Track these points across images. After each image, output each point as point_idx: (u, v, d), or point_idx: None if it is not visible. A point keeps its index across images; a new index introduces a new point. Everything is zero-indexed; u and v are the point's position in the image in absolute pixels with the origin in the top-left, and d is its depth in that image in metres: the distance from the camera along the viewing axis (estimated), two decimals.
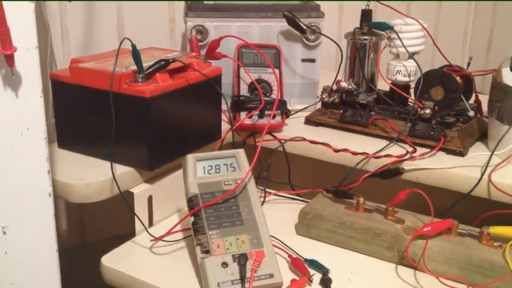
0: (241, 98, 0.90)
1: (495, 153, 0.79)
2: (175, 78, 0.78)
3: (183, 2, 1.08)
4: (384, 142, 0.86)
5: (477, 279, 0.66)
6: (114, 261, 0.70)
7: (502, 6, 1.26)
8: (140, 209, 0.77)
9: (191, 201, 0.68)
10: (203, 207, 0.67)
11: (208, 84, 0.81)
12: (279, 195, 0.87)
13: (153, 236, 0.73)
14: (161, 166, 0.78)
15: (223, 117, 0.90)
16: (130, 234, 0.76)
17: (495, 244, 0.68)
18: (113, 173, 0.72)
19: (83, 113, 0.78)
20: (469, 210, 0.77)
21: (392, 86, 0.91)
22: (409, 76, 0.89)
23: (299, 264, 0.68)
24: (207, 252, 0.64)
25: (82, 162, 0.78)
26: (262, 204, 0.78)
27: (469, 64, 0.93)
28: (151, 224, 0.78)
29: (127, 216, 0.80)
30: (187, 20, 0.97)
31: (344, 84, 0.93)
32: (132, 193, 0.76)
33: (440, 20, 1.30)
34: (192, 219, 0.67)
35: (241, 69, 0.91)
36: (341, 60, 0.99)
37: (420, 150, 0.83)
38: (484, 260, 0.66)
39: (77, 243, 1.11)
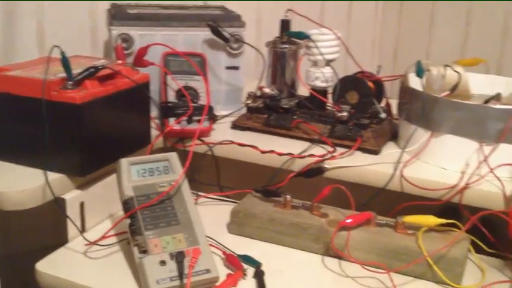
0: (169, 104, 0.93)
1: (405, 150, 0.87)
2: (105, 85, 0.79)
3: (105, 11, 1.09)
4: (307, 144, 0.92)
5: (395, 264, 0.72)
6: (50, 267, 0.70)
7: (406, 19, 1.37)
8: (72, 215, 0.77)
9: (127, 204, 0.70)
10: (139, 209, 0.69)
11: (137, 91, 0.83)
12: (210, 197, 0.90)
13: (88, 241, 0.74)
14: (93, 172, 0.79)
15: (153, 123, 0.92)
16: (59, 244, 0.76)
17: (409, 232, 0.75)
18: (46, 179, 0.72)
19: (11, 121, 0.78)
20: (385, 203, 0.84)
21: (311, 91, 0.97)
22: (327, 82, 0.96)
23: (233, 260, 0.72)
24: (145, 252, 0.66)
25: (11, 171, 0.77)
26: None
27: (378, 72, 1.01)
28: (83, 230, 0.79)
29: (54, 226, 0.79)
30: (111, 29, 0.99)
31: (267, 90, 0.98)
32: (64, 199, 0.76)
33: (351, 29, 1.39)
34: (129, 221, 0.69)
35: (168, 77, 0.94)
36: (264, 68, 1.04)
37: (339, 150, 0.90)
38: (399, 246, 0.73)
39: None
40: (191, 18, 1.02)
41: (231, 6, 1.11)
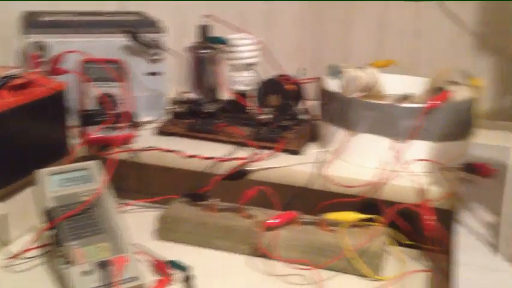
0: (88, 112, 0.91)
1: (326, 150, 0.91)
2: (18, 94, 0.77)
3: (16, 19, 1.05)
4: (232, 147, 0.93)
5: (319, 260, 0.75)
6: None
7: (327, 22, 1.41)
8: None
9: (48, 215, 0.68)
10: (61, 220, 0.68)
11: (52, 100, 0.81)
12: (138, 205, 0.89)
13: (11, 254, 0.71)
14: (7, 186, 0.76)
15: (75, 132, 0.90)
16: None
17: (332, 228, 0.78)
18: None
19: None
20: (309, 201, 0.86)
21: (234, 95, 0.98)
22: (248, 85, 0.97)
23: (161, 266, 0.71)
24: (69, 263, 0.65)
25: None
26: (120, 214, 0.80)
27: (301, 74, 1.04)
28: (6, 243, 0.76)
29: None
30: (25, 37, 0.95)
31: (190, 95, 0.98)
32: None
33: (276, 34, 1.42)
34: (51, 232, 0.67)
35: (87, 84, 0.92)
36: (186, 73, 1.04)
37: (263, 152, 0.91)
38: (322, 242, 0.75)
39: None
40: (109, 24, 1.01)
41: (152, 11, 1.10)
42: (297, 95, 1.01)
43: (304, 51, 1.44)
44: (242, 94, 0.99)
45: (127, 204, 0.88)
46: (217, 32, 1.03)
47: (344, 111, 0.88)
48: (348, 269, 0.74)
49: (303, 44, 1.45)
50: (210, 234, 0.79)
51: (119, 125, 0.88)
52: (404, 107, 0.86)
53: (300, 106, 1.01)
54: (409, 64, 1.31)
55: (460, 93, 0.89)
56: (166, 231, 0.80)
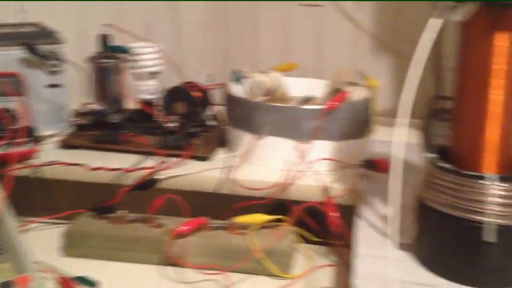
0: None
1: (234, 155, 0.92)
2: None
3: None
4: (140, 157, 0.92)
5: (230, 263, 0.76)
6: None
7: (232, 27, 1.43)
8: None
9: None
10: None
11: None
12: (42, 222, 0.86)
13: None
14: None
15: None
16: None
17: (241, 232, 0.79)
18: None
19: None
20: (220, 206, 0.87)
21: (139, 104, 0.98)
22: (153, 94, 0.97)
23: (68, 283, 0.70)
24: None
25: None
26: (23, 233, 0.77)
27: (209, 80, 1.05)
28: None
29: None
30: None
31: (94, 106, 0.96)
32: None
33: (181, 41, 1.42)
34: None
35: None
36: (88, 84, 1.02)
37: (172, 160, 0.91)
38: (232, 246, 0.77)
39: None
40: (4, 37, 0.97)
41: (52, 22, 1.07)
42: (204, 101, 1.02)
43: (212, 57, 1.46)
44: (148, 103, 0.98)
45: (31, 222, 0.85)
46: (120, 41, 1.02)
47: (248, 115, 0.90)
48: (258, 269, 0.76)
49: (210, 50, 1.46)
50: (118, 247, 0.78)
51: (18, 140, 0.85)
52: (305, 109, 0.89)
53: (208, 112, 1.01)
54: (312, 66, 1.36)
55: (357, 94, 0.93)
56: (73, 247, 0.78)
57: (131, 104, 1.02)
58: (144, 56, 0.95)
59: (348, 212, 0.80)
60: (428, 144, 0.99)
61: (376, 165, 0.87)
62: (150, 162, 0.91)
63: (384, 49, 1.29)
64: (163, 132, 0.93)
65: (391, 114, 1.26)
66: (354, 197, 0.83)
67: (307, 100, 0.98)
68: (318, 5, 1.32)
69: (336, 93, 0.92)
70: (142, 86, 0.96)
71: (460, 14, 0.56)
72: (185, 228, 0.77)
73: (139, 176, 0.87)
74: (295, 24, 1.36)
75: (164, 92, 0.96)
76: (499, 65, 0.59)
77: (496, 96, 0.60)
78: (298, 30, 1.35)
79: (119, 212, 0.80)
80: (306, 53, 1.35)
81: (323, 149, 0.89)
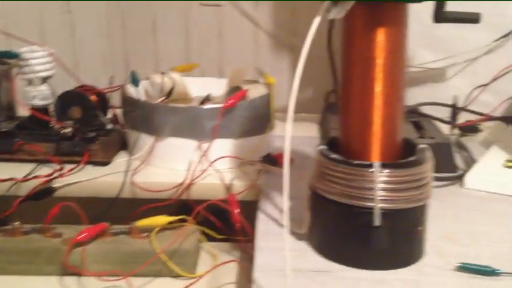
0: None
1: (134, 157, 0.91)
2: None
3: None
4: (34, 165, 0.89)
5: (133, 268, 0.74)
6: None
7: (131, 29, 1.40)
8: None
9: None
10: None
11: None
12: None
13: None
14: None
15: None
16: None
17: (143, 235, 0.78)
18: None
19: None
20: (122, 211, 0.86)
21: (31, 110, 0.94)
22: (46, 99, 0.93)
23: None
24: None
25: None
26: None
27: (111, 82, 1.02)
28: None
29: None
30: None
31: None
32: None
33: (79, 44, 1.38)
34: None
35: None
36: None
37: (69, 167, 0.88)
38: (134, 250, 0.75)
39: None
40: None
41: None
42: (103, 104, 1.00)
43: (114, 59, 1.43)
44: (43, 109, 0.94)
45: None
46: (10, 45, 0.98)
47: (147, 117, 0.89)
48: (163, 271, 0.75)
49: (111, 53, 1.43)
50: (12, 260, 0.74)
51: None
52: (204, 109, 0.89)
53: (107, 116, 0.99)
54: (214, 66, 1.37)
55: (255, 91, 0.95)
56: None
57: (24, 111, 0.97)
58: (34, 61, 0.91)
59: (251, 208, 0.82)
60: (325, 138, 1.03)
61: (276, 160, 0.89)
62: (45, 170, 0.87)
63: (282, 47, 1.32)
64: (58, 139, 0.90)
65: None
66: (256, 193, 0.84)
67: (207, 99, 0.99)
68: (218, 5, 1.33)
69: (235, 91, 0.93)
70: (33, 92, 0.92)
71: (339, 12, 0.58)
72: (84, 235, 0.75)
73: (34, 185, 0.84)
74: (196, 24, 1.36)
75: (57, 98, 0.93)
76: (379, 59, 0.62)
77: (378, 88, 0.63)
78: (199, 30, 1.36)
79: (13, 224, 0.77)
80: (207, 53, 1.36)
81: (223, 147, 0.90)
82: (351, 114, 0.65)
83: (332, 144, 0.68)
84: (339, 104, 0.67)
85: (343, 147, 0.67)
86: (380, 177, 0.62)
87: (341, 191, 0.63)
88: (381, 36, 0.62)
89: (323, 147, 0.67)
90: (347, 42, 0.64)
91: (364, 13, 0.61)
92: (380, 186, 0.62)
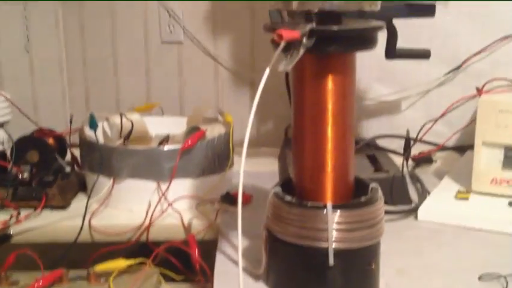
0: None
1: (92, 200, 0.90)
2: None
3: None
4: None
5: None
6: None
7: (91, 70, 1.41)
8: None
9: None
10: None
11: None
12: None
13: None
14: None
15: None
16: None
17: (101, 281, 0.78)
18: None
19: None
20: (83, 254, 0.85)
21: None
22: (2, 144, 0.93)
23: None
24: None
25: None
26: None
27: (71, 121, 1.02)
28: None
29: None
30: None
31: None
32: None
33: (36, 85, 1.37)
34: None
35: None
36: None
37: (25, 212, 0.88)
38: None
39: None
40: None
41: None
42: (61, 147, 0.99)
43: (74, 98, 1.43)
44: (0, 154, 0.94)
45: None
46: None
47: (106, 159, 0.89)
48: None
49: (71, 93, 1.43)
50: None
51: None
52: (163, 150, 0.90)
53: (64, 159, 0.99)
54: (175, 103, 1.38)
55: (214, 130, 0.96)
56: None
57: None
58: None
59: (210, 247, 0.82)
60: (284, 173, 1.04)
61: (234, 199, 0.90)
62: (2, 216, 0.86)
63: (242, 82, 1.34)
64: (15, 184, 0.90)
65: (252, 145, 1.31)
66: (215, 232, 0.85)
67: (166, 140, 0.99)
68: (180, 42, 1.35)
69: (193, 131, 0.94)
70: None
71: (288, 64, 0.60)
72: (41, 283, 0.74)
73: None
74: (156, 61, 1.37)
75: (13, 143, 0.92)
76: (329, 104, 0.65)
77: (329, 132, 0.65)
78: (160, 68, 1.37)
79: None
80: (168, 90, 1.37)
81: (182, 186, 0.90)
82: (304, 157, 0.67)
83: (286, 184, 0.70)
84: (293, 146, 0.69)
85: (297, 187, 0.69)
86: (333, 218, 0.63)
87: (295, 232, 0.64)
88: (330, 83, 0.64)
89: (277, 188, 0.69)
90: (298, 89, 0.66)
91: (313, 62, 0.64)
92: (334, 227, 0.63)
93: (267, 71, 0.59)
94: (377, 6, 0.65)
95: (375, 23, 0.66)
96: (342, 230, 0.63)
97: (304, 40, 0.60)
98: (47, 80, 1.38)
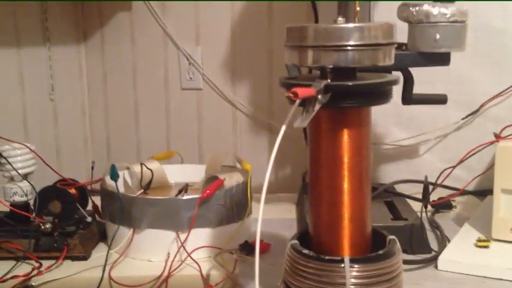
0: None
1: (113, 250, 0.91)
2: None
3: None
4: (13, 263, 0.89)
5: None
6: None
7: (113, 116, 1.44)
8: None
9: None
10: None
11: None
12: None
13: None
14: None
15: None
16: None
17: None
18: None
19: None
20: None
21: (11, 207, 0.95)
22: (26, 196, 0.95)
23: None
24: None
25: None
26: None
27: (92, 168, 1.04)
28: None
29: None
30: None
31: None
32: None
33: (59, 133, 1.41)
34: None
35: None
36: None
37: (47, 263, 0.89)
38: None
39: None
40: None
41: None
42: (83, 197, 1.01)
43: (95, 146, 1.46)
44: (23, 205, 0.96)
45: None
46: None
47: (125, 209, 0.91)
48: None
49: (93, 139, 1.46)
50: None
51: None
52: (181, 200, 0.91)
53: (86, 209, 1.00)
54: (194, 149, 1.40)
55: (232, 179, 0.97)
56: None
57: (3, 207, 0.98)
58: (15, 158, 0.93)
59: None
60: (301, 219, 1.04)
61: (253, 248, 0.90)
62: (24, 268, 0.88)
63: (260, 127, 1.36)
64: (37, 235, 0.91)
65: (269, 191, 1.32)
66: (233, 283, 0.85)
67: (186, 188, 1.00)
68: (199, 89, 1.38)
69: (212, 180, 0.95)
70: (14, 188, 0.94)
71: (304, 120, 0.61)
72: None
73: (10, 285, 0.83)
74: (176, 108, 1.40)
75: (36, 193, 0.94)
76: (345, 158, 0.65)
77: (345, 185, 0.66)
78: (179, 115, 1.40)
79: None
80: (188, 136, 1.40)
81: (201, 236, 0.91)
82: (320, 210, 0.68)
83: (303, 236, 0.70)
84: (309, 199, 0.70)
85: (314, 240, 0.69)
86: (351, 272, 0.63)
87: (313, 286, 0.64)
88: (346, 137, 0.65)
89: (294, 241, 0.69)
90: (314, 143, 0.67)
91: (328, 116, 0.65)
92: (351, 281, 0.63)
93: (283, 128, 0.61)
94: (391, 60, 0.66)
95: (389, 77, 0.67)
96: (360, 284, 0.63)
97: (320, 96, 0.62)
98: (70, 127, 1.42)
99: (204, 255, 0.91)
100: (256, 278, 0.60)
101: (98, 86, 1.44)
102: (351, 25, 0.62)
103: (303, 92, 0.60)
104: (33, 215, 0.94)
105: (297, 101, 0.61)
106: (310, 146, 0.68)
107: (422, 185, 1.06)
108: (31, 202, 0.96)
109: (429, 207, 1.09)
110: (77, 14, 1.41)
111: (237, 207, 0.95)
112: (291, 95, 0.60)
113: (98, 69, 1.43)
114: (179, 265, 0.88)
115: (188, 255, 0.89)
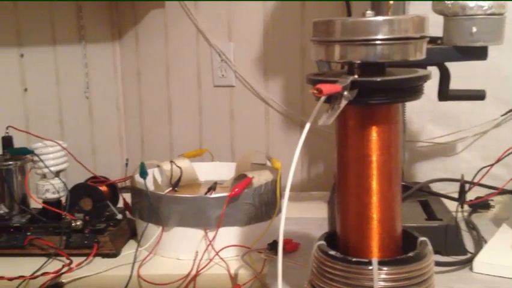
0: None
1: (143, 248, 0.92)
2: None
3: None
4: (44, 260, 0.90)
5: None
6: None
7: (147, 113, 1.45)
8: None
9: None
10: None
11: None
12: None
13: None
14: None
15: None
16: None
17: None
18: None
19: None
20: None
21: (43, 204, 0.96)
22: (58, 193, 0.96)
23: None
24: None
25: None
26: None
27: (126, 165, 1.05)
28: None
29: None
30: None
31: None
32: None
33: (95, 129, 1.43)
34: None
35: None
36: None
37: (77, 260, 0.90)
38: None
39: None
40: None
41: None
42: (114, 194, 1.02)
43: (130, 144, 1.47)
44: (55, 202, 0.97)
45: None
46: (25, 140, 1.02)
47: (155, 207, 0.91)
48: None
49: (127, 136, 1.47)
50: None
51: None
52: (210, 198, 0.90)
53: (117, 206, 1.01)
54: (227, 145, 1.39)
55: (261, 177, 0.96)
56: None
57: (36, 204, 1.00)
58: (47, 156, 0.95)
59: None
60: (333, 219, 1.02)
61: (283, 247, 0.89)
62: (55, 264, 0.89)
63: (292, 124, 1.34)
64: (68, 232, 0.92)
65: (301, 189, 1.30)
66: (261, 283, 0.84)
67: (214, 186, 1.00)
68: (231, 86, 1.37)
69: (240, 179, 0.94)
70: (46, 186, 0.95)
71: (328, 118, 0.59)
72: None
73: (41, 282, 0.85)
74: (209, 105, 1.40)
75: (68, 190, 0.95)
76: (373, 156, 0.63)
77: (374, 185, 0.64)
78: (212, 112, 1.40)
79: None
80: (220, 134, 1.39)
81: (229, 235, 0.90)
82: (348, 210, 0.66)
83: (331, 237, 0.68)
84: (336, 199, 0.68)
85: (341, 241, 0.67)
86: (379, 275, 0.61)
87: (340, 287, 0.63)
88: (374, 134, 0.63)
89: (321, 242, 0.67)
90: (341, 141, 0.65)
91: (356, 113, 0.63)
92: (380, 284, 0.61)
93: (307, 126, 0.59)
94: (422, 55, 0.63)
95: (420, 72, 0.65)
96: (389, 287, 0.61)
97: (346, 93, 0.60)
98: (105, 125, 1.44)
99: (232, 254, 0.90)
100: (279, 278, 0.59)
101: (132, 83, 1.45)
102: (380, 18, 0.60)
103: (327, 88, 0.58)
104: (65, 212, 0.95)
105: (322, 98, 0.59)
106: (337, 144, 0.66)
107: (458, 184, 1.03)
108: (63, 199, 0.97)
109: (466, 207, 1.05)
110: (112, 12, 1.42)
111: (265, 205, 0.94)
112: (315, 91, 0.59)
113: (132, 67, 1.44)
114: (207, 264, 0.87)
115: (217, 253, 0.88)
